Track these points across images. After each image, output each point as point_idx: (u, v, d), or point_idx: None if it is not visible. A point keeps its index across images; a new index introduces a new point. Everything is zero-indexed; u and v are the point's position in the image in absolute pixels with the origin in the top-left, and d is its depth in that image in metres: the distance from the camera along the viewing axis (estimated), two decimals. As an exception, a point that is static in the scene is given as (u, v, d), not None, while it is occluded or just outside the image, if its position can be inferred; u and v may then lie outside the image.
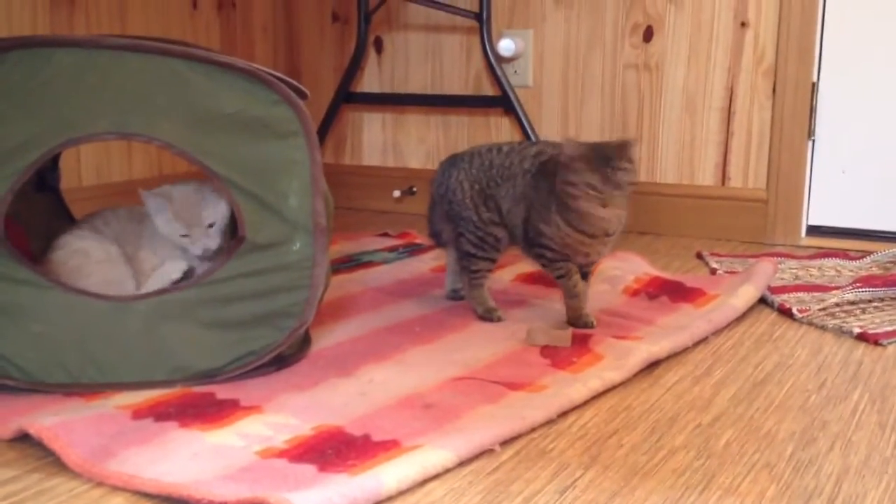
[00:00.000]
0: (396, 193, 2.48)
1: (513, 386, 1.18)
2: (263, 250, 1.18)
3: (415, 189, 2.48)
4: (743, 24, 2.03)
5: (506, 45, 2.27)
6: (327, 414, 1.09)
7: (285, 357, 1.24)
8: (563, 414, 1.11)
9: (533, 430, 1.07)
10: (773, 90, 2.03)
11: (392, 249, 2.00)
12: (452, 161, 1.52)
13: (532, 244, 1.41)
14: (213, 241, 1.27)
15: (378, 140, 2.55)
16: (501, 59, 2.29)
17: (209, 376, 1.19)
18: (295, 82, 1.21)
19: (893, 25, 1.93)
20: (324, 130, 2.52)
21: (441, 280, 1.72)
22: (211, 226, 1.27)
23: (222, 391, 1.16)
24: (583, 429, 1.08)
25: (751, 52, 2.04)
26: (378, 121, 2.54)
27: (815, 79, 2.00)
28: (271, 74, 1.18)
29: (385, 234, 2.16)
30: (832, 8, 1.97)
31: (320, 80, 2.60)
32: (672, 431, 1.06)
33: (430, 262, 1.88)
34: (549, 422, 1.09)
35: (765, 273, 1.60)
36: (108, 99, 1.13)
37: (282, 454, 0.99)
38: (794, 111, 2.01)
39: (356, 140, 2.58)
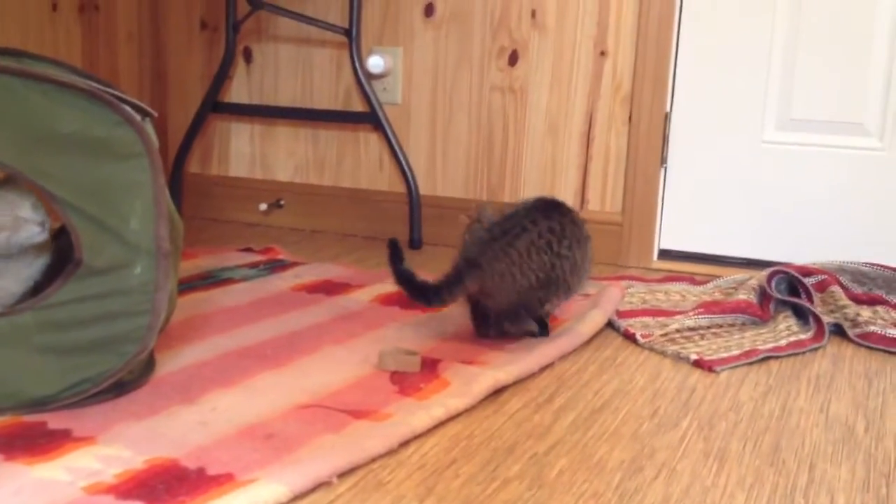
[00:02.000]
0: (263, 206, 2.45)
1: (357, 414, 1.18)
2: (103, 274, 1.15)
3: (282, 202, 2.46)
4: (602, 53, 2.10)
5: (375, 62, 2.27)
6: (163, 445, 1.07)
7: (125, 384, 1.22)
8: (405, 443, 1.13)
9: (373, 460, 1.08)
10: (630, 118, 2.10)
11: (253, 266, 1.97)
12: None
13: None
14: None
15: (246, 151, 2.52)
16: (370, 76, 2.30)
17: (42, 404, 1.15)
18: (139, 103, 1.19)
19: (741, 57, 2.02)
20: (189, 139, 2.48)
21: (302, 298, 1.71)
22: None
23: (55, 420, 1.13)
24: (423, 458, 1.09)
25: (609, 81, 2.11)
26: (246, 132, 2.51)
27: (668, 108, 2.08)
28: (113, 94, 1.15)
29: (248, 250, 2.13)
30: (685, 40, 2.06)
31: (187, 87, 2.55)
32: (508, 461, 1.09)
33: (291, 279, 1.87)
34: (391, 451, 1.10)
35: (612, 298, 1.65)
36: (-64, 116, 1.08)
37: (109, 490, 0.96)
38: (649, 139, 2.08)
39: (223, 150, 2.54)
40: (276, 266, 1.97)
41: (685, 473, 1.07)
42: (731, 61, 2.03)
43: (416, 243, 2.27)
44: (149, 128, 1.21)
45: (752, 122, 2.04)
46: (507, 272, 1.41)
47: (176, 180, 2.52)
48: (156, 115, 1.22)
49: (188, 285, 1.79)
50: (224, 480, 0.99)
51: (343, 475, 1.03)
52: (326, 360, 1.39)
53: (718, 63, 2.05)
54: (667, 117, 2.08)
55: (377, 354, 1.38)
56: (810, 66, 1.99)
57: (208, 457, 1.05)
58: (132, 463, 1.03)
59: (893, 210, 1.97)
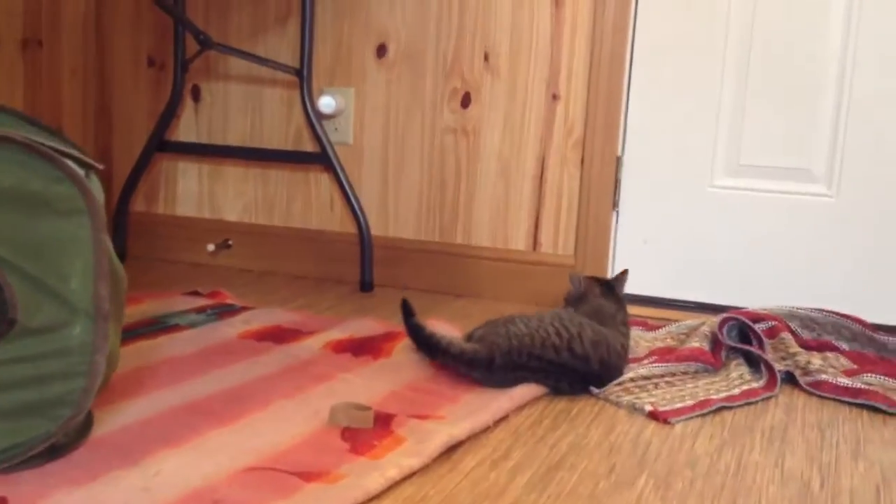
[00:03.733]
0: (211, 247, 2.40)
1: (308, 477, 1.15)
2: (38, 335, 1.10)
3: (230, 242, 2.42)
4: (555, 97, 2.10)
5: (326, 102, 2.25)
6: (105, 514, 1.03)
7: (60, 447, 1.16)
8: (358, 506, 1.09)
9: (324, 527, 1.04)
10: (582, 161, 2.10)
11: (201, 311, 1.93)
12: None
13: None
14: None
15: (193, 191, 2.47)
16: (322, 116, 2.28)
17: (-26, 470, 1.09)
18: (84, 156, 1.15)
19: (691, 102, 2.04)
20: (135, 178, 2.43)
21: (250, 347, 1.68)
22: None
23: (-10, 488, 1.08)
24: (375, 524, 1.06)
25: (562, 124, 2.11)
26: (194, 171, 2.46)
27: (619, 152, 2.09)
28: (54, 148, 1.11)
29: (195, 293, 2.08)
30: (636, 86, 2.07)
31: (134, 125, 2.50)
32: (464, 526, 1.06)
33: (239, 325, 1.83)
34: (342, 517, 1.07)
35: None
36: None
37: (47, 568, 0.92)
38: (601, 182, 2.09)
39: (170, 190, 2.50)
40: (224, 311, 1.93)
41: (643, 537, 1.05)
42: (681, 107, 2.05)
43: (367, 286, 2.24)
44: (93, 182, 1.17)
45: (701, 167, 2.06)
46: None
47: (121, 219, 2.46)
48: (101, 167, 1.18)
49: (133, 332, 1.74)
50: (168, 554, 0.95)
51: (293, 545, 1.00)
52: (276, 416, 1.36)
53: (669, 108, 2.06)
54: (618, 161, 2.09)
55: (328, 409, 1.35)
56: (759, 113, 2.01)
57: (152, 527, 1.00)
58: (71, 535, 0.98)
59: (841, 256, 1.99)
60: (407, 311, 1.59)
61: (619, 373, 1.54)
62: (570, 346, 1.48)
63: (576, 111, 2.09)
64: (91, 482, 1.11)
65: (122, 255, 2.46)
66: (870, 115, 1.94)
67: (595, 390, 1.53)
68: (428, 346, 1.53)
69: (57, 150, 1.11)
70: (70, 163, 1.12)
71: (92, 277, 1.12)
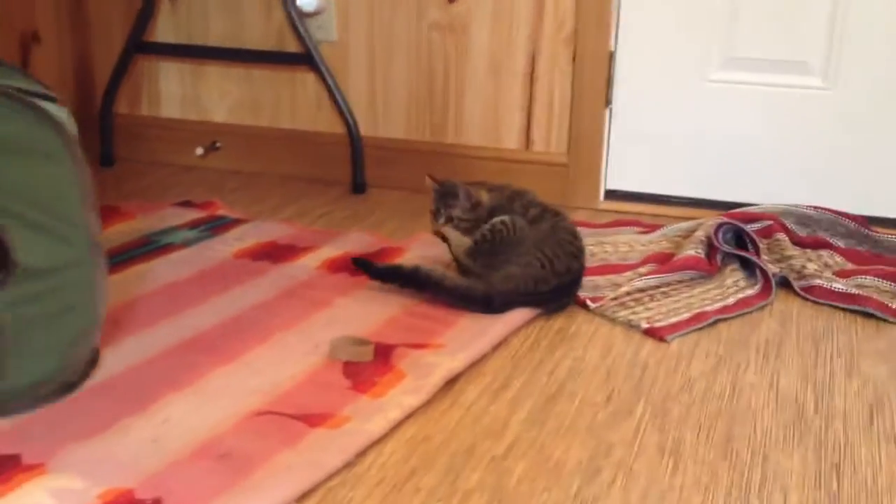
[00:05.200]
0: (199, 151, 2.36)
1: (312, 421, 1.17)
2: (41, 276, 1.11)
3: (218, 144, 2.38)
4: (544, -10, 2.03)
5: (307, 0, 2.17)
6: (116, 472, 1.05)
7: (71, 385, 1.19)
8: (363, 451, 1.12)
9: (332, 476, 1.07)
10: (574, 58, 2.05)
11: (194, 225, 1.92)
12: None
13: None
14: None
15: (177, 92, 2.41)
16: (303, 14, 2.20)
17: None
18: (45, 90, 1.15)
19: (686, -5, 1.98)
20: (116, 80, 2.37)
21: (246, 268, 1.68)
22: None
23: (3, 440, 1.10)
24: (381, 470, 1.09)
25: (552, 20, 2.04)
26: (175, 71, 2.40)
27: (612, 48, 2.03)
28: (22, 89, 1.10)
29: (187, 203, 2.07)
30: (630, -24, 1.99)
31: (111, 27, 2.41)
32: (468, 468, 1.09)
33: (233, 243, 1.82)
34: (349, 464, 1.09)
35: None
36: None
37: (65, 537, 0.95)
38: (593, 79, 2.04)
39: (153, 90, 2.44)
40: (217, 225, 1.92)
41: (642, 475, 1.08)
42: (675, -3, 1.98)
43: (359, 188, 2.23)
44: (63, 114, 1.16)
45: (696, 61, 2.01)
46: None
47: (106, 122, 2.42)
48: (58, 97, 1.17)
49: (128, 255, 1.74)
50: (182, 516, 0.98)
51: (303, 497, 1.03)
52: (276, 351, 1.37)
53: (662, 1, 1.99)
54: (611, 57, 2.03)
55: (328, 343, 1.36)
56: (754, 4, 1.95)
57: (164, 486, 1.03)
58: (86, 498, 1.00)
59: (836, 150, 1.97)
60: (366, 265, 1.59)
61: (583, 269, 1.56)
62: (555, 269, 1.49)
63: (566, 6, 2.02)
64: (103, 432, 1.13)
65: (110, 160, 2.43)
66: (869, 4, 1.88)
67: (591, 304, 1.54)
68: (416, 281, 1.52)
69: (24, 91, 1.10)
70: (44, 103, 1.11)
71: (82, 213, 1.13)
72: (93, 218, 1.18)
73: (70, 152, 1.15)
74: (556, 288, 1.51)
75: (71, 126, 1.19)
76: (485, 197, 1.60)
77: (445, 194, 1.60)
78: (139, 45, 2.33)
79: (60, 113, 1.17)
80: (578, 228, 1.59)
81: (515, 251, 1.50)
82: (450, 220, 1.59)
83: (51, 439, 1.12)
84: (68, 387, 1.20)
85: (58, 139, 1.14)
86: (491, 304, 1.47)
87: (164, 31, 2.36)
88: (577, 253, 1.54)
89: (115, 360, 1.32)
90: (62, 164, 1.15)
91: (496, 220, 1.53)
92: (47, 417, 1.16)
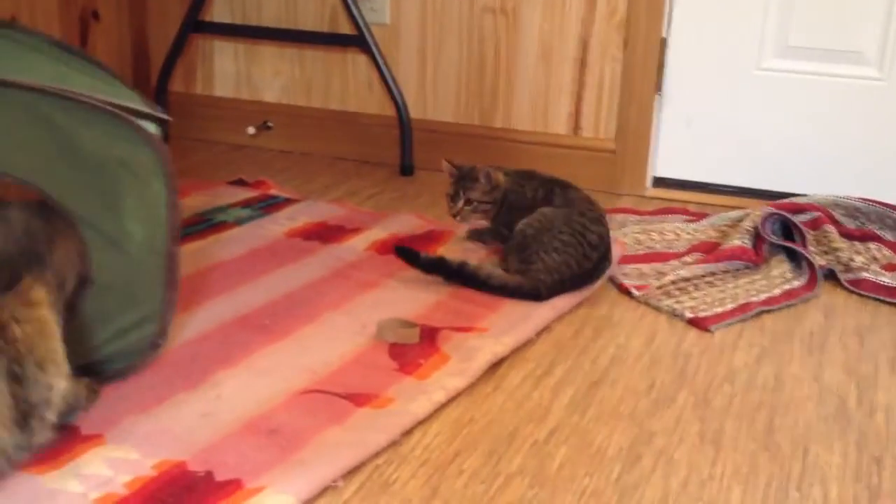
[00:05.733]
0: (251, 131, 2.40)
1: (359, 400, 1.20)
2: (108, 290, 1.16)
3: (270, 124, 2.42)
4: (597, -24, 2.03)
5: (361, -18, 2.19)
6: (170, 444, 1.09)
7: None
8: (408, 431, 1.15)
9: (377, 454, 1.10)
10: (625, 44, 2.04)
11: (246, 204, 1.96)
12: None
13: None
14: None
15: (231, 71, 2.45)
16: (357, -4, 2.22)
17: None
18: (154, 111, 1.19)
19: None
20: (172, 59, 2.41)
21: (297, 247, 1.71)
22: None
23: (63, 416, 1.14)
24: (426, 451, 1.11)
25: (604, 5, 2.04)
26: (230, 51, 2.44)
27: (664, 34, 2.02)
28: (128, 109, 1.14)
29: (240, 181, 2.11)
30: (683, -38, 1.98)
31: (167, 7, 2.46)
32: (510, 452, 1.11)
33: (284, 222, 1.85)
34: (394, 443, 1.12)
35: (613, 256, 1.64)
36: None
37: (120, 503, 0.99)
38: (644, 65, 2.04)
39: (207, 69, 2.48)
40: (269, 205, 1.96)
41: (682, 463, 1.10)
42: (729, -16, 1.97)
43: (407, 170, 2.25)
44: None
45: (749, 48, 2.00)
46: None
47: (161, 99, 2.46)
48: (170, 119, 1.21)
49: (183, 232, 1.77)
50: (232, 489, 1.01)
51: (348, 474, 1.06)
52: (324, 331, 1.40)
53: (717, -14, 1.98)
54: (663, 43, 2.03)
55: (375, 323, 1.39)
56: (811, -9, 1.93)
57: (215, 459, 1.07)
58: (141, 468, 1.05)
59: (889, 141, 1.95)
60: (411, 255, 1.55)
61: (608, 231, 1.58)
62: (588, 241, 1.52)
63: (619, -9, 2.02)
64: (158, 406, 1.17)
65: (164, 137, 2.48)
66: (929, -8, 1.86)
67: (636, 292, 1.55)
68: (461, 277, 1.53)
69: (130, 111, 1.14)
70: (145, 124, 1.16)
71: (165, 235, 1.18)
72: (175, 245, 1.23)
73: (167, 178, 1.20)
74: (597, 261, 1.53)
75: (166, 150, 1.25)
76: (502, 179, 1.65)
77: (463, 177, 1.66)
78: (195, 25, 2.37)
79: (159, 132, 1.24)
80: (624, 216, 1.61)
81: (546, 237, 1.52)
82: (468, 202, 1.64)
83: (109, 411, 1.16)
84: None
85: (158, 164, 1.20)
86: (540, 298, 1.48)
87: (219, 11, 2.40)
88: (600, 217, 1.57)
89: (174, 333, 1.36)
90: (156, 187, 1.20)
91: (521, 226, 1.56)
92: (105, 391, 1.21)
